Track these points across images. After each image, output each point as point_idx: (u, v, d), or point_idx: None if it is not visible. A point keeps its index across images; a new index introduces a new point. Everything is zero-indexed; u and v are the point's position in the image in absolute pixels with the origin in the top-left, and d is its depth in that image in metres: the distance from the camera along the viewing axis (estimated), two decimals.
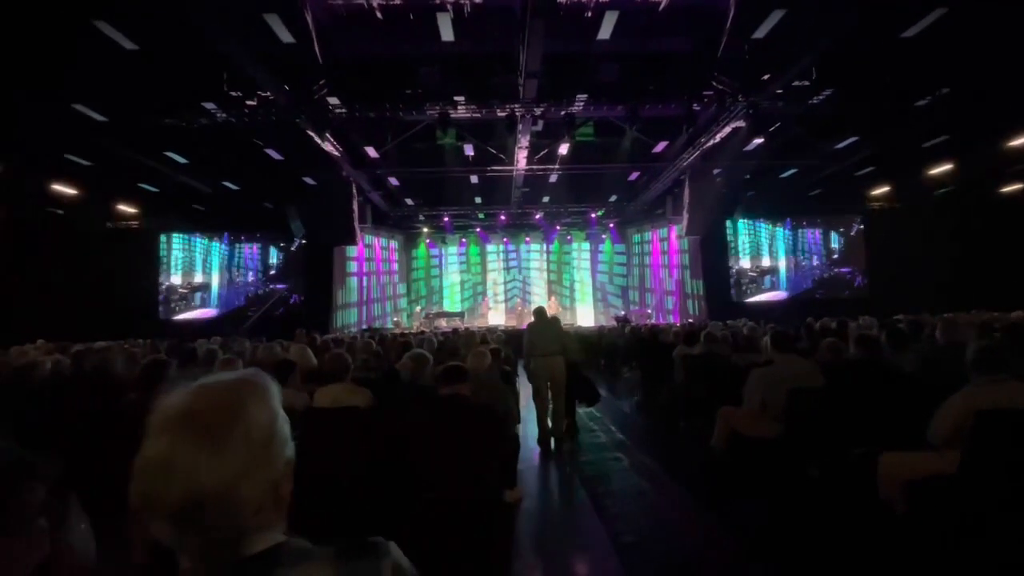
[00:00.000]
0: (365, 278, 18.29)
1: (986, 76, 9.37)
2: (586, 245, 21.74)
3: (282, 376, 3.12)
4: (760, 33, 8.52)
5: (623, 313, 18.78)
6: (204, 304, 16.55)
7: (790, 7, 7.90)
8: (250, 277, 17.06)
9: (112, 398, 3.07)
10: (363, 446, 2.79)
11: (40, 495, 0.73)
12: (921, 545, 2.35)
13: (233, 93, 9.78)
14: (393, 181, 15.24)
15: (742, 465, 3.53)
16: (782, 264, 16.49)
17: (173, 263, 16.44)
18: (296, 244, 16.89)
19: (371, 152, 12.68)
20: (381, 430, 2.77)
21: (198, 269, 16.64)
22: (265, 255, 17.17)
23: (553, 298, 20.95)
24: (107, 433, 2.44)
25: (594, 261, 21.78)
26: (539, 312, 5.48)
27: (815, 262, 16.49)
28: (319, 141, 11.05)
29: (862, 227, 16.35)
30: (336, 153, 12.06)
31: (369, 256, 18.62)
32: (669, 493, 3.63)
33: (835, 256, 16.28)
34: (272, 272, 17.15)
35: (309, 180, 13.83)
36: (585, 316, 21.18)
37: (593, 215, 19.48)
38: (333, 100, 10.44)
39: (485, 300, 21.38)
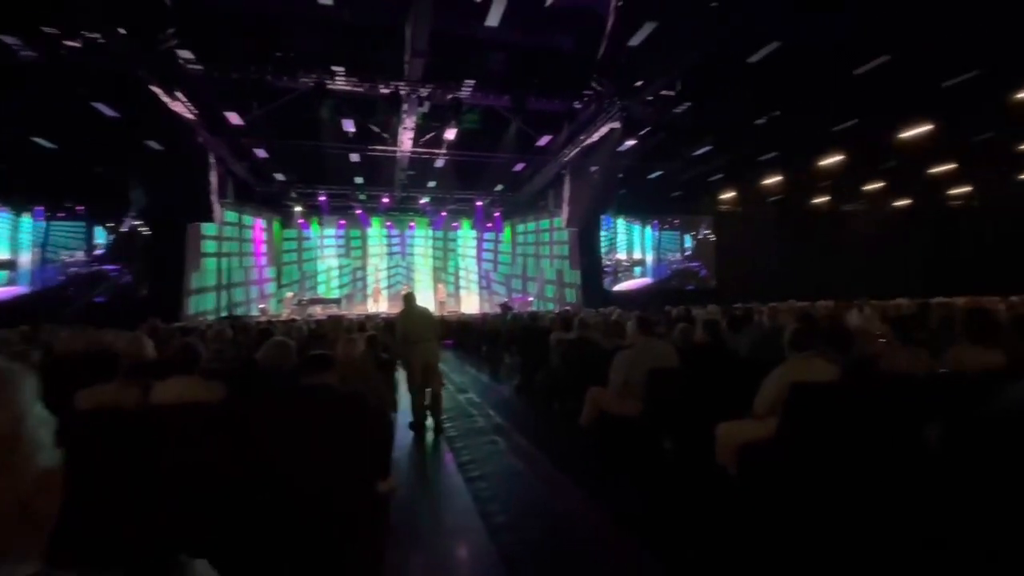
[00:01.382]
0: (225, 260, 16.36)
1: (806, 103, 11.15)
2: (472, 233, 21.82)
3: (102, 370, 2.63)
4: (635, 41, 9.14)
5: (506, 300, 19.25)
6: (12, 282, 13.50)
7: (660, 21, 8.59)
8: (79, 255, 14.28)
9: None
10: (213, 444, 2.47)
11: None
12: (750, 502, 2.72)
13: (47, 29, 8.02)
14: (261, 153, 13.77)
15: (608, 441, 3.80)
16: (649, 257, 19.59)
17: None
18: (126, 224, 14.40)
19: (234, 118, 11.29)
20: (235, 426, 2.47)
21: (2, 245, 13.47)
22: (90, 233, 14.43)
23: (440, 285, 20.78)
24: None
25: (480, 249, 21.96)
26: (409, 298, 5.46)
27: (677, 256, 19.87)
28: (167, 100, 9.56)
29: (707, 231, 19.96)
30: (189, 116, 10.55)
31: (231, 235, 16.69)
32: (543, 472, 3.78)
33: (687, 253, 19.95)
34: (98, 252, 14.46)
35: (154, 144, 11.91)
36: (470, 303, 21.32)
37: (479, 203, 19.59)
38: (185, 54, 9.08)
39: (376, 287, 20.47)
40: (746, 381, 2.99)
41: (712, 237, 19.89)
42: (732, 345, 4.38)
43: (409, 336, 5.12)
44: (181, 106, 10.03)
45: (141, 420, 2.47)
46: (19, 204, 13.49)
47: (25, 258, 13.67)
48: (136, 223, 14.37)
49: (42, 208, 13.83)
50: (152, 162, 12.50)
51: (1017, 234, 18.66)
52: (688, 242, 19.77)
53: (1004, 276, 15.33)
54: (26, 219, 13.73)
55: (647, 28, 8.76)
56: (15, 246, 13.61)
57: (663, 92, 10.88)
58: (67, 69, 8.55)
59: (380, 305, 19.86)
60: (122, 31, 8.07)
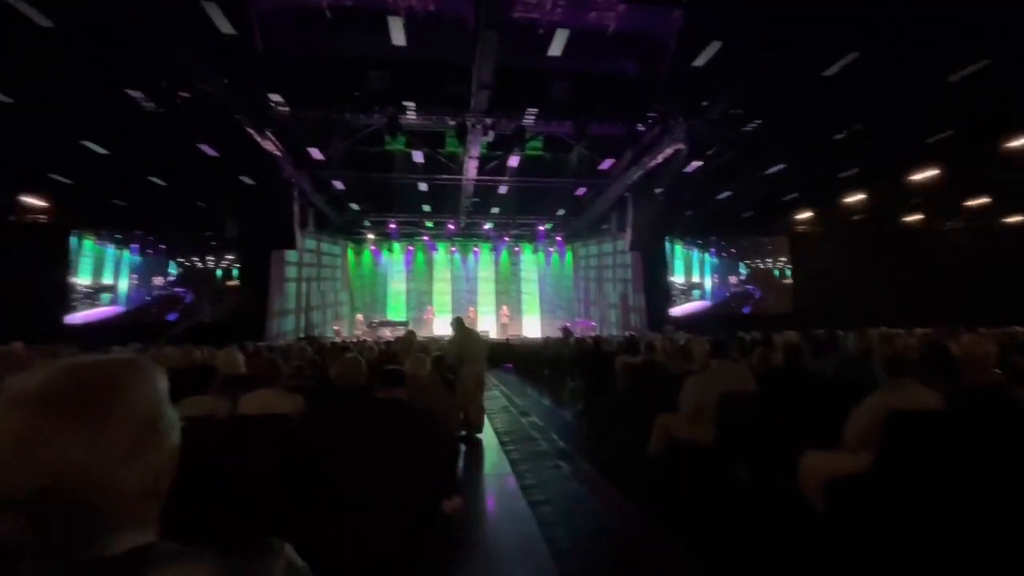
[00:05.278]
0: (305, 284, 17.53)
1: (892, 115, 10.39)
2: (534, 257, 21.99)
3: (201, 382, 2.89)
4: (699, 62, 9.01)
5: (567, 324, 19.08)
6: (113, 302, 15.46)
7: (726, 41, 8.43)
8: (158, 280, 16.25)
9: None
10: (289, 453, 2.63)
11: None
12: (839, 540, 2.48)
13: (164, 83, 9.18)
14: (338, 185, 14.80)
15: (677, 468, 3.63)
16: (708, 281, 19.41)
17: (81, 265, 15.26)
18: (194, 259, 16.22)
19: (315, 154, 12.26)
20: (311, 435, 2.62)
21: (108, 274, 15.55)
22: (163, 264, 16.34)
23: (503, 308, 20.97)
24: None
25: (542, 273, 22.05)
26: (459, 323, 5.98)
27: (734, 280, 19.56)
28: (259, 139, 10.55)
29: (759, 260, 19.68)
30: (277, 153, 11.56)
31: (310, 261, 17.89)
32: (607, 498, 3.66)
33: (742, 277, 19.71)
34: (171, 278, 16.34)
35: (247, 180, 13.14)
36: (532, 327, 21.32)
37: (541, 228, 19.77)
38: (275, 97, 10.03)
39: (430, 309, 20.98)
40: (831, 407, 2.77)
41: (762, 265, 19.56)
42: (814, 370, 4.07)
43: (464, 356, 5.60)
44: (271, 144, 11.03)
45: (230, 428, 2.68)
46: (128, 230, 15.67)
47: (124, 283, 15.71)
48: (196, 260, 16.32)
49: (137, 245, 15.97)
50: (245, 196, 13.81)
51: None
52: (743, 269, 19.77)
53: None
54: (126, 254, 15.88)
55: (712, 48, 8.62)
56: (116, 274, 15.62)
57: (731, 111, 10.58)
58: (179, 116, 9.70)
59: (444, 327, 20.31)
60: (225, 81, 9.08)
